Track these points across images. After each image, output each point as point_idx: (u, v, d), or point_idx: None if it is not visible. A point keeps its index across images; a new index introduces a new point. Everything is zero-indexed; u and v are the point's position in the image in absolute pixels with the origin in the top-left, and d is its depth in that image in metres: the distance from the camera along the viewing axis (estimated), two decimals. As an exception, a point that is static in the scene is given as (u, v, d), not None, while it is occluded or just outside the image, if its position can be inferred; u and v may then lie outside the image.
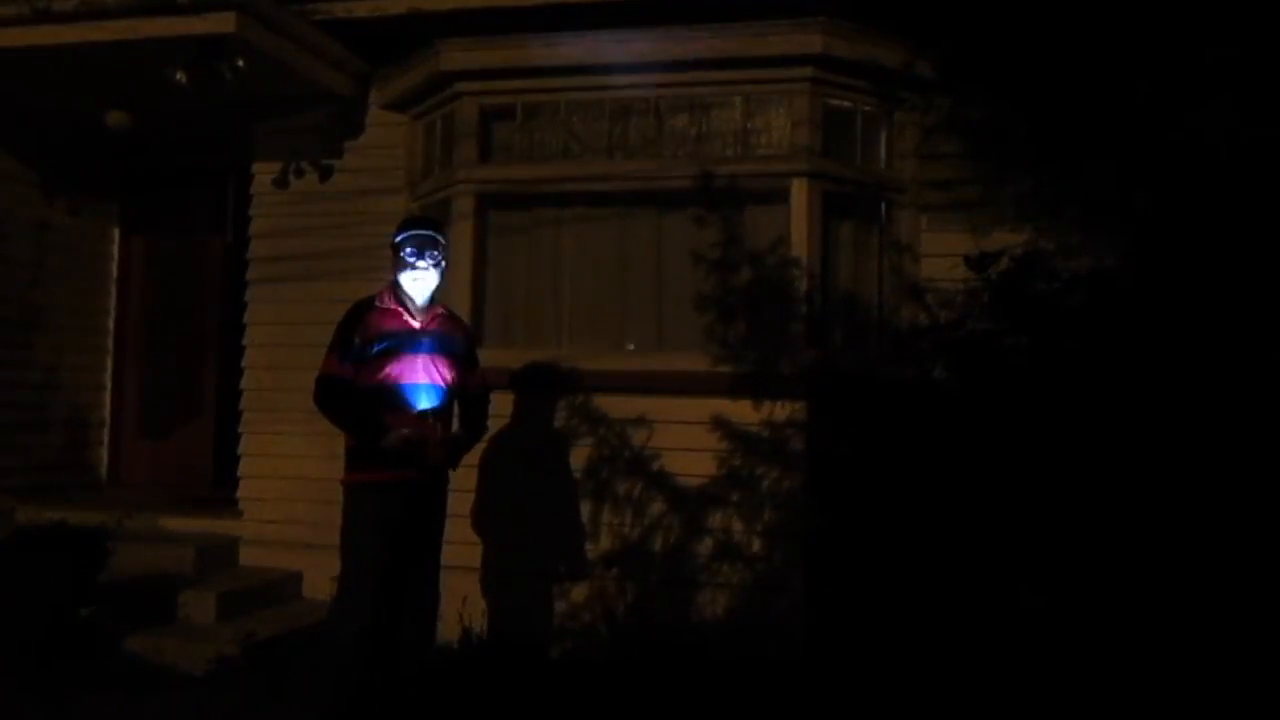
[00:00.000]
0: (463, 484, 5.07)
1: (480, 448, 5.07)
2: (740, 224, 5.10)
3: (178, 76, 4.94)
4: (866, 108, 5.11)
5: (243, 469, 5.95)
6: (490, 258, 5.39)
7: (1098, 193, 4.83)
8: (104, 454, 6.85)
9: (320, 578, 5.57)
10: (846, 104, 5.08)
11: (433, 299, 3.93)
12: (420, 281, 3.85)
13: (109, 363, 6.89)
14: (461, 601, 4.93)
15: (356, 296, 5.74)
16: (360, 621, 3.63)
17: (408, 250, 3.84)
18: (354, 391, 3.73)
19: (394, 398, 3.74)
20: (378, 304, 3.85)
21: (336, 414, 3.79)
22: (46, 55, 5.10)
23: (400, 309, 3.84)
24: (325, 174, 5.88)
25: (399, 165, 5.81)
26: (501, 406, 5.08)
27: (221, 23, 4.76)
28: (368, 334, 3.75)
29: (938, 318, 4.68)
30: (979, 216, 4.98)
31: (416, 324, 3.84)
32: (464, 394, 4.01)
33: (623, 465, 4.88)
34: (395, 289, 3.88)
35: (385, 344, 3.75)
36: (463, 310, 5.25)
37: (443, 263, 3.91)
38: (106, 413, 6.86)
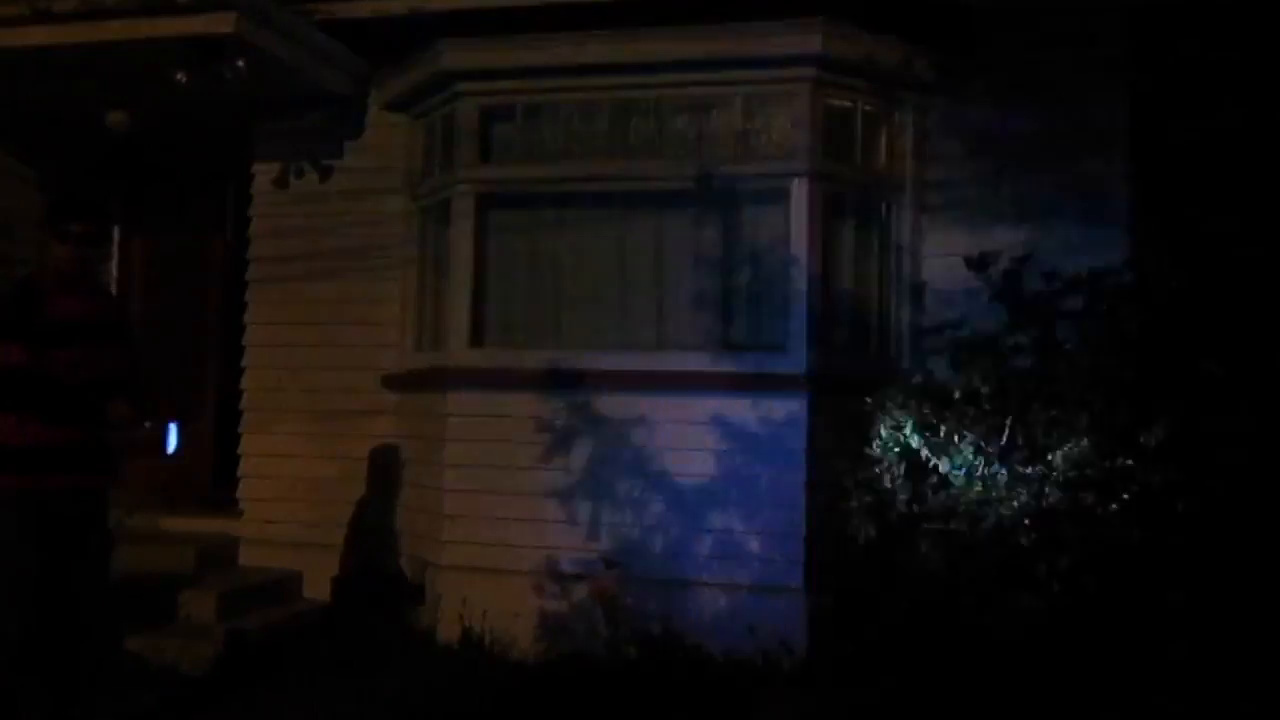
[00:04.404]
0: (464, 483, 5.10)
1: (477, 446, 5.11)
2: (740, 224, 5.10)
3: (178, 76, 4.94)
4: (866, 108, 5.11)
5: (243, 469, 5.95)
6: (490, 258, 5.38)
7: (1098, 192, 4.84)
8: (103, 454, 6.82)
9: (321, 577, 5.58)
10: (846, 104, 5.07)
11: None
12: None
13: (109, 362, 6.86)
14: (461, 602, 4.94)
15: (357, 296, 5.86)
16: None
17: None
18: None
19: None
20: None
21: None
22: (46, 55, 5.09)
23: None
24: (325, 174, 5.88)
25: (399, 165, 5.80)
26: (500, 405, 5.10)
27: (221, 23, 4.75)
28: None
29: (938, 318, 4.67)
30: (979, 216, 4.98)
31: None
32: None
33: (623, 464, 4.88)
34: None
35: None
36: (463, 310, 5.27)
37: None
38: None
